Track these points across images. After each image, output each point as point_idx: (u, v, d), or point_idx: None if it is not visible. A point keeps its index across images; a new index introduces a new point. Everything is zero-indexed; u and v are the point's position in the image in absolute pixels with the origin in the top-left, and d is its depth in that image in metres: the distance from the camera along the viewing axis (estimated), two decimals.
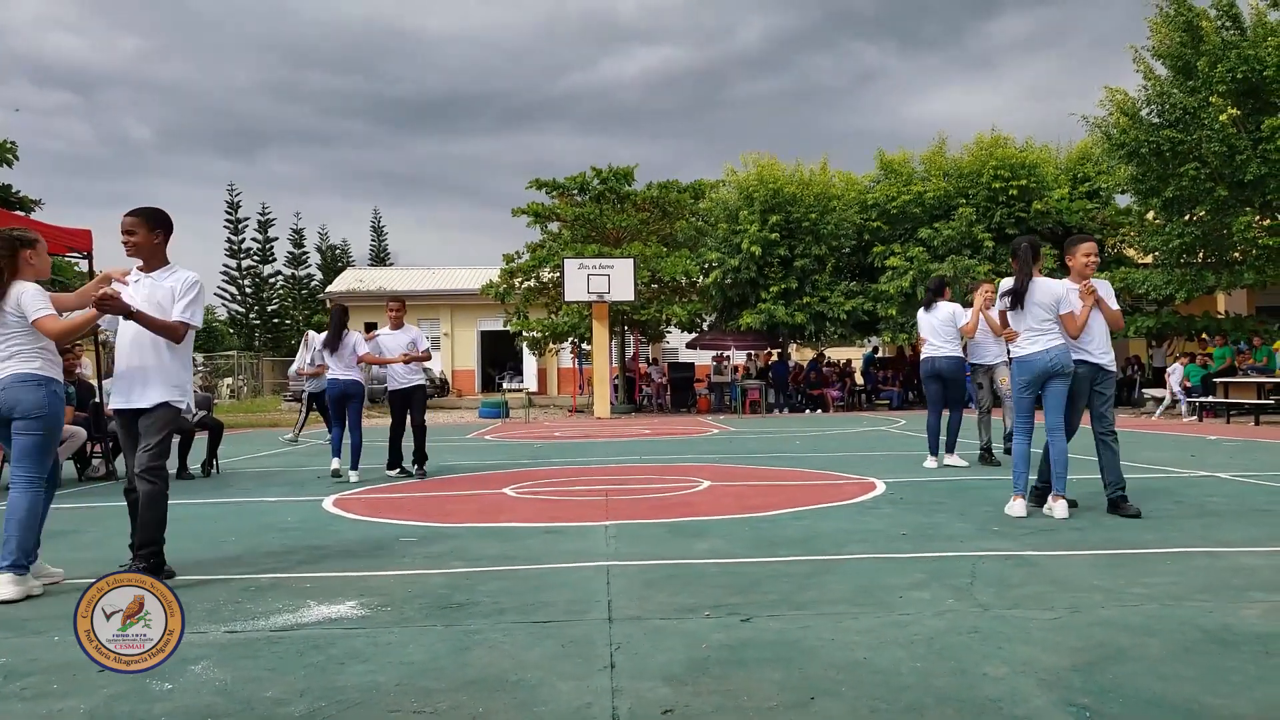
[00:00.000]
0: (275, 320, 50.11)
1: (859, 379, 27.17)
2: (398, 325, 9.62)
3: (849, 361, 27.90)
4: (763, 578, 4.29)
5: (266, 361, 40.41)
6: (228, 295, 49.86)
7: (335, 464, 9.12)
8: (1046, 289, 6.01)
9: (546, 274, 25.41)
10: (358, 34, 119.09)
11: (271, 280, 51.10)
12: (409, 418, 9.25)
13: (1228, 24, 16.82)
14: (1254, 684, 2.74)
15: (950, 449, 9.24)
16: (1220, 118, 15.90)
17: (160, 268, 4.63)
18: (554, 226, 26.41)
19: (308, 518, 6.65)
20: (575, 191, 25.71)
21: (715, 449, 12.00)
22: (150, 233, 4.54)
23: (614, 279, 22.13)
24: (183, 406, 4.59)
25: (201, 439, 10.41)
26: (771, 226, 23.32)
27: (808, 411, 23.65)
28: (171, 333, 4.49)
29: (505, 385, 34.01)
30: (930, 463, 9.08)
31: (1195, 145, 16.57)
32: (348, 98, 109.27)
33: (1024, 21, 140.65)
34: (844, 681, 2.85)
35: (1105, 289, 6.24)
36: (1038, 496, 6.14)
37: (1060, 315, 5.99)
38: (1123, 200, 23.77)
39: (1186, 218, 18.45)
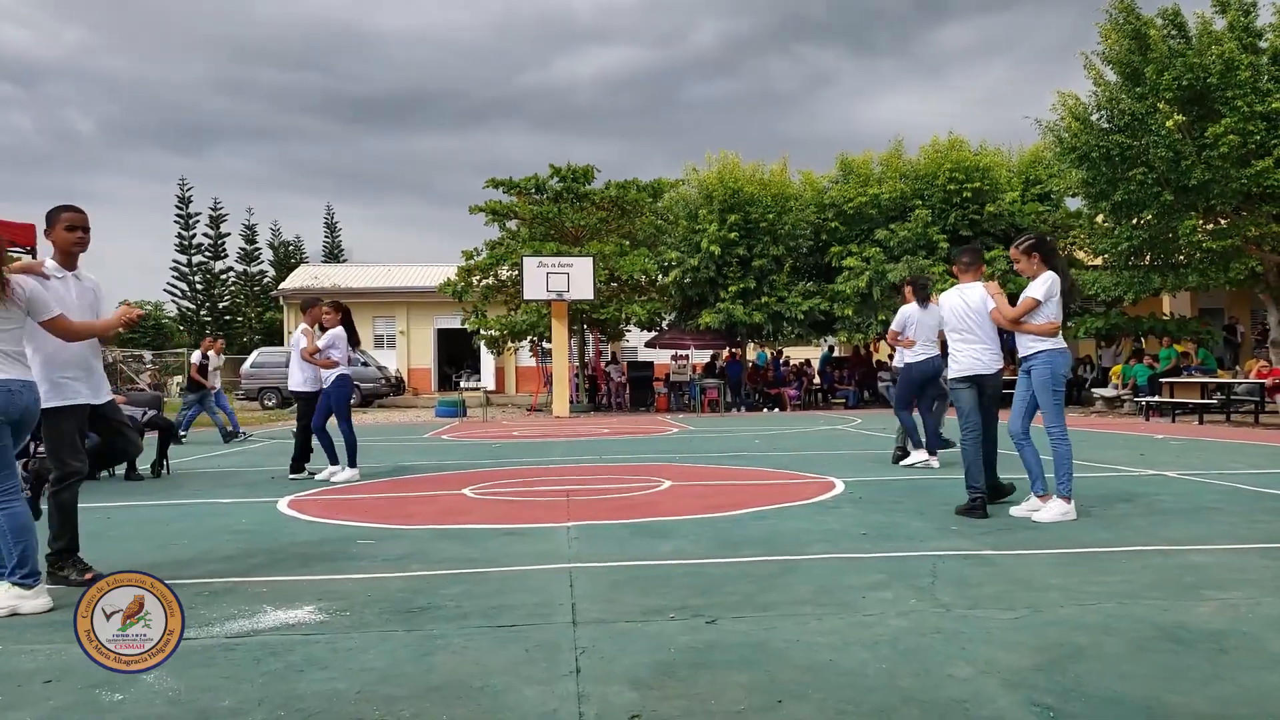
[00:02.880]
0: (227, 317, 49.22)
1: (815, 378, 27.39)
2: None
3: (806, 361, 28.08)
4: (726, 579, 4.29)
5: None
6: (178, 291, 48.91)
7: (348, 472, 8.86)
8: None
9: (505, 272, 25.27)
10: (311, 31, 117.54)
11: (223, 277, 50.21)
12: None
13: (1174, 33, 17.19)
14: (1210, 681, 2.79)
15: (932, 449, 9.25)
16: (1167, 124, 16.24)
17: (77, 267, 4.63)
18: (512, 224, 26.26)
19: (263, 520, 6.53)
20: (534, 190, 25.58)
21: (675, 448, 12.01)
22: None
23: (573, 277, 22.06)
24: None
25: (151, 439, 10.18)
26: (730, 226, 23.39)
27: (765, 410, 23.78)
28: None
29: (463, 384, 33.75)
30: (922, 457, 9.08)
31: (1143, 150, 16.92)
32: (300, 94, 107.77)
33: (971, 30, 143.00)
34: (810, 684, 2.85)
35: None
36: (994, 496, 6.22)
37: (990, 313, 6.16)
38: (1073, 203, 24.24)
39: (1134, 221, 18.82)
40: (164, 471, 9.90)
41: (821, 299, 23.94)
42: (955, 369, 6.27)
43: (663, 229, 25.46)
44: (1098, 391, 21.26)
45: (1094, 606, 3.65)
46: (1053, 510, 5.72)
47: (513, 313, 25.58)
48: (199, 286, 48.85)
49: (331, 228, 56.63)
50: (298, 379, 9.06)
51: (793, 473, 8.71)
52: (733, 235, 23.40)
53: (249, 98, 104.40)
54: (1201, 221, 17.47)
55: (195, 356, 15.59)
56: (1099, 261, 22.19)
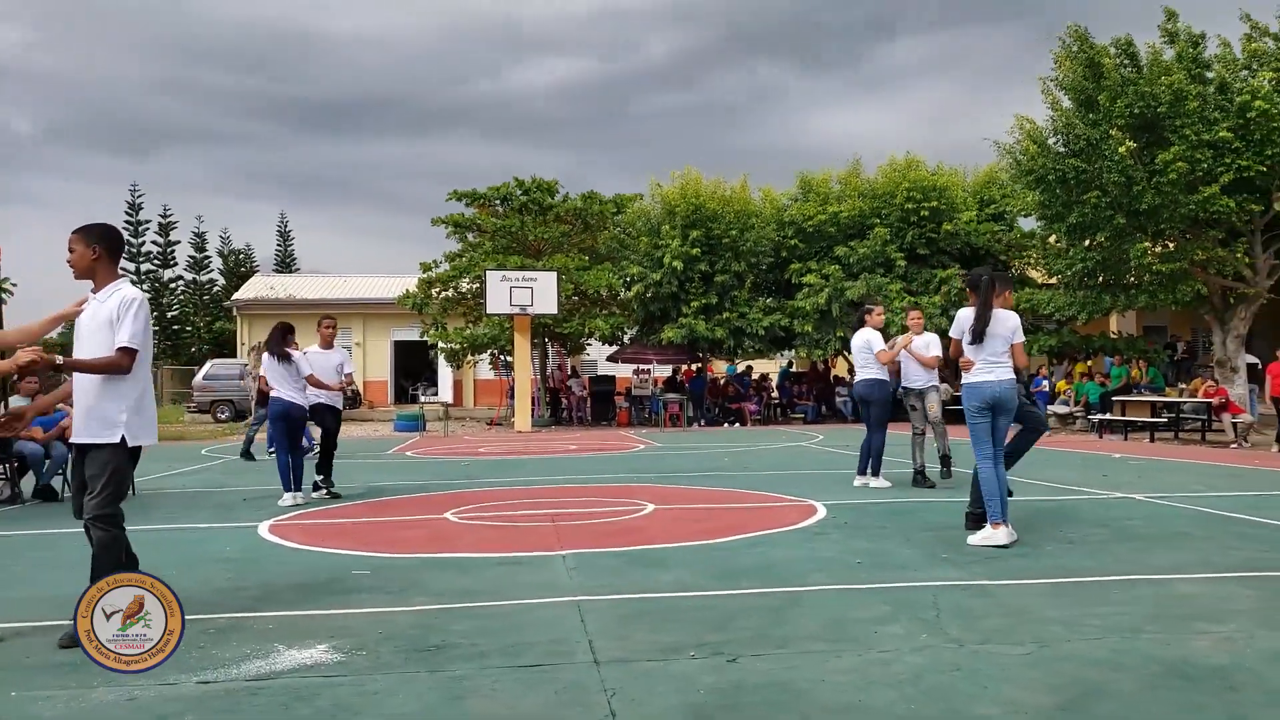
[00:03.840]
0: (175, 327, 48.22)
1: (774, 393, 27.62)
2: (328, 344, 9.43)
3: (765, 376, 28.32)
4: (735, 612, 4.34)
5: (166, 370, 38.88)
6: None
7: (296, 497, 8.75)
8: (1003, 320, 6.26)
9: (466, 284, 25.16)
10: (258, 34, 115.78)
11: (172, 285, 49.20)
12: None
13: (1126, 62, 17.74)
14: (1226, 709, 2.91)
15: (876, 471, 9.41)
16: (1120, 150, 16.73)
17: (104, 287, 4.31)
18: (472, 236, 26.13)
19: (247, 547, 6.45)
20: (497, 202, 25.51)
21: (646, 467, 12.06)
22: (87, 248, 4.24)
23: (537, 292, 22.03)
24: (126, 439, 4.21)
25: None
26: (693, 242, 23.57)
27: (726, 425, 23.93)
28: (113, 367, 4.16)
29: (422, 397, 33.47)
30: (869, 481, 9.27)
31: (1097, 175, 17.40)
32: (248, 98, 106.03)
33: (919, 47, 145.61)
34: None
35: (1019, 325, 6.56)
36: (974, 522, 6.36)
37: (1013, 344, 6.25)
38: (1026, 224, 24.85)
39: (1087, 243, 19.36)
40: (131, 492, 9.68)
41: (782, 315, 24.20)
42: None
43: (625, 243, 25.56)
44: (1050, 408, 21.76)
45: (1098, 641, 3.77)
46: (977, 535, 6.00)
47: (473, 326, 25.46)
48: (147, 296, 47.85)
49: (284, 235, 55.82)
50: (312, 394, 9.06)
51: (771, 494, 8.81)
52: (695, 251, 23.58)
53: (194, 100, 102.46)
54: (1151, 245, 18.01)
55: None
56: (1053, 281, 22.79)
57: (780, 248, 24.92)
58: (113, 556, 4.16)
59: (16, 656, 3.85)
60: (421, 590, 4.93)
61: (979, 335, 6.26)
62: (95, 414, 4.21)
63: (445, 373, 33.22)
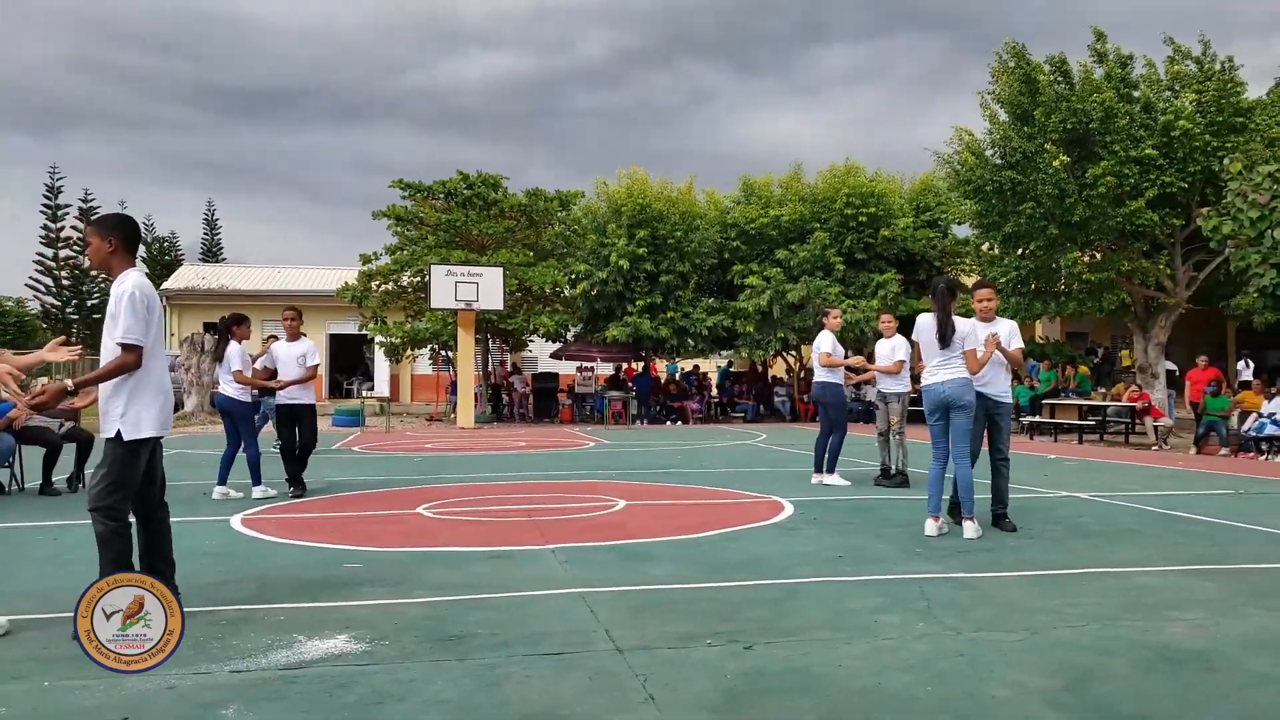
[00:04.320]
0: (96, 316, 46.61)
1: (714, 391, 27.99)
2: (294, 336, 9.36)
3: (706, 375, 28.66)
4: (737, 604, 4.52)
5: (89, 360, 37.59)
6: (42, 287, 46.06)
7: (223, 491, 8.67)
8: (957, 327, 6.57)
9: (407, 278, 24.95)
10: (178, 15, 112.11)
11: (94, 273, 47.52)
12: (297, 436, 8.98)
13: (1059, 79, 18.47)
14: (1216, 700, 3.19)
15: (831, 468, 9.69)
16: (1054, 163, 17.43)
17: (117, 279, 4.27)
18: (409, 230, 25.87)
19: (227, 541, 6.42)
20: (442, 195, 25.32)
21: (602, 464, 12.19)
22: (102, 240, 4.20)
23: (483, 287, 21.95)
24: (122, 433, 4.19)
25: (62, 449, 9.74)
26: (639, 241, 23.76)
27: (668, 423, 24.18)
28: (122, 368, 4.13)
29: (360, 392, 33.02)
30: (824, 479, 9.54)
31: (1032, 187, 18.08)
32: (168, 81, 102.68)
33: (848, 55, 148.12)
34: (871, 707, 3.11)
35: (1009, 330, 6.86)
36: (951, 511, 6.68)
37: (964, 350, 6.55)
38: (960, 231, 25.67)
39: (1020, 251, 20.09)
40: (80, 485, 9.47)
41: (724, 315, 24.55)
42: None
43: (571, 240, 25.63)
44: None
45: (1082, 628, 4.05)
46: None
47: (413, 320, 25.26)
48: (66, 283, 46.14)
49: (211, 224, 54.38)
50: (296, 391, 8.97)
51: (733, 491, 9.03)
52: (641, 250, 23.77)
53: (110, 81, 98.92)
54: (1080, 255, 18.79)
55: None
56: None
57: (723, 249, 25.27)
58: (112, 550, 4.12)
59: (32, 649, 3.82)
60: (420, 583, 5.01)
61: (944, 340, 6.58)
62: (103, 409, 4.21)
63: (382, 367, 32.83)
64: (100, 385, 4.23)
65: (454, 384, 25.15)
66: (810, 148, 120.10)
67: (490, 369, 26.89)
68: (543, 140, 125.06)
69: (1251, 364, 24.87)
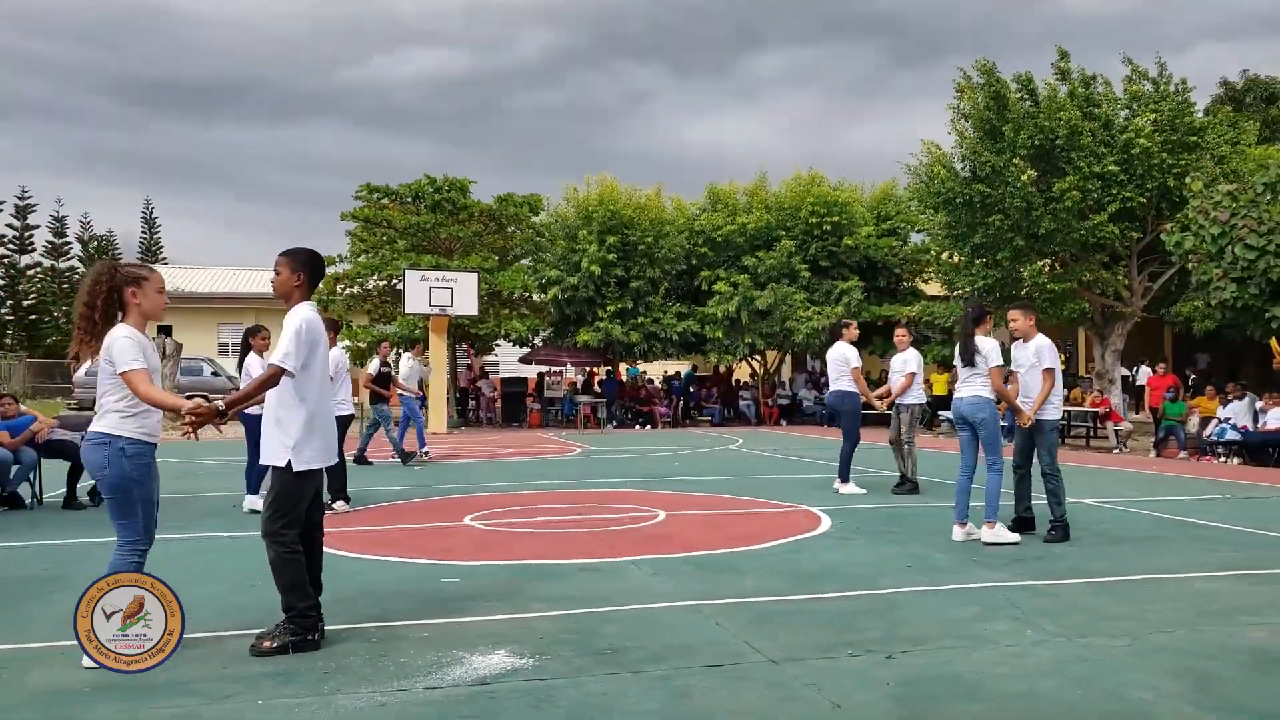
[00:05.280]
0: (33, 317, 45.13)
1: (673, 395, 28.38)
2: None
3: (651, 380, 29.03)
4: (845, 614, 4.84)
5: (24, 362, 36.45)
6: None
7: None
8: (979, 347, 7.09)
9: (372, 282, 24.84)
10: (109, 7, 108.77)
11: (30, 272, 46.00)
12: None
13: (1026, 97, 19.25)
14: None
15: (844, 477, 10.07)
16: (1022, 178, 18.18)
17: (291, 309, 4.39)
18: (365, 233, 25.69)
19: None
20: (411, 199, 25.24)
21: (604, 471, 12.42)
22: (292, 274, 4.38)
23: (457, 292, 22.00)
24: (291, 463, 4.30)
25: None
26: (609, 248, 24.02)
27: (637, 427, 24.49)
28: (264, 385, 4.25)
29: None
30: (841, 487, 9.90)
31: (1000, 200, 18.82)
32: (90, 73, 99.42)
33: (784, 59, 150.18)
34: (1032, 711, 3.45)
35: (1035, 349, 7.31)
36: (1019, 526, 7.14)
37: (989, 369, 7.04)
38: (916, 238, 26.44)
39: (984, 260, 20.85)
40: (99, 500, 9.39)
41: (693, 321, 24.95)
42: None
43: (540, 245, 25.77)
44: (944, 414, 23.27)
45: (1173, 634, 4.45)
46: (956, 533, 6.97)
47: (378, 324, 25.18)
48: (0, 282, 44.60)
49: (150, 222, 53.00)
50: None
51: (761, 500, 9.35)
52: (611, 256, 24.04)
53: (31, 74, 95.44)
54: (1044, 265, 19.60)
55: (372, 365, 13.92)
56: (944, 292, 24.45)
57: (690, 255, 25.67)
58: (285, 576, 4.25)
59: (214, 668, 3.96)
60: (529, 597, 5.21)
61: (966, 359, 7.15)
62: (267, 437, 4.36)
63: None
64: (264, 414, 4.38)
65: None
66: (748, 151, 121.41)
67: (457, 373, 26.87)
68: (479, 139, 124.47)
69: (1206, 358, 26.28)
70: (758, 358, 27.43)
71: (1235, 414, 15.54)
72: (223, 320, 31.84)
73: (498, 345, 27.93)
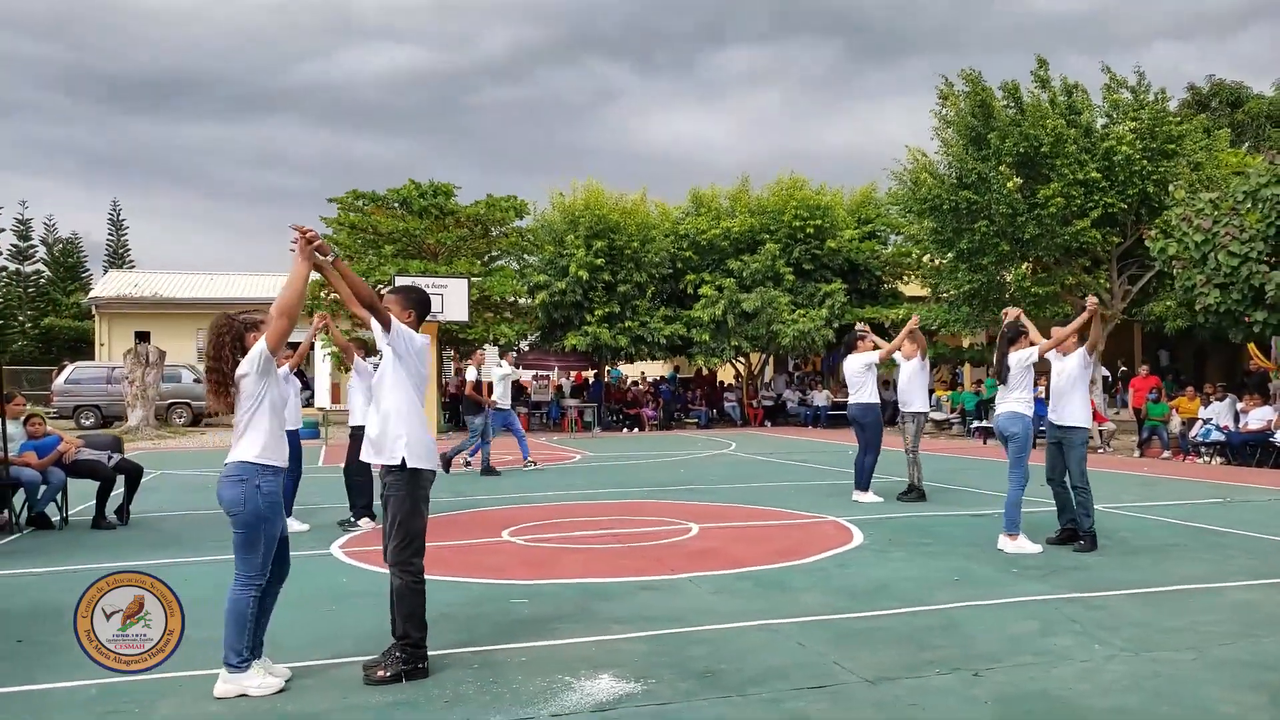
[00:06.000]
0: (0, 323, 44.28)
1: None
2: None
3: (660, 380, 29.26)
4: (915, 631, 5.05)
5: None
6: None
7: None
8: (1010, 364, 7.41)
9: None
10: None
11: None
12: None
13: (1011, 105, 19.67)
14: None
15: (865, 486, 10.33)
16: (1007, 185, 18.59)
17: None
18: (333, 241, 25.60)
19: (364, 580, 6.59)
20: (397, 205, 25.21)
21: (616, 480, 12.58)
22: (403, 310, 4.56)
23: (448, 298, 22.02)
24: (418, 466, 4.47)
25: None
26: (596, 252, 24.17)
27: (624, 430, 24.68)
28: (373, 303, 4.42)
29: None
30: (860, 496, 10.15)
31: (986, 206, 19.22)
32: (43, 68, 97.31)
33: (748, 57, 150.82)
34: None
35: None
36: (1067, 538, 7.44)
37: (1039, 361, 7.42)
38: (894, 239, 26.90)
39: (968, 265, 21.27)
40: (127, 519, 9.40)
41: (680, 324, 25.18)
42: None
43: (525, 248, 25.86)
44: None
45: (1232, 645, 4.71)
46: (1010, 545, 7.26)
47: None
48: None
49: (117, 225, 52.11)
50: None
51: (785, 511, 9.56)
52: (599, 261, 24.20)
53: None
54: (1029, 269, 20.06)
55: (470, 373, 13.96)
56: (925, 294, 24.95)
57: (675, 259, 25.89)
58: (407, 608, 4.42)
59: (334, 698, 4.09)
60: (602, 618, 5.37)
61: (1001, 378, 7.51)
62: (376, 441, 4.57)
63: (323, 374, 32.32)
64: (370, 422, 4.55)
65: None
66: (713, 148, 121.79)
67: (444, 379, 26.88)
68: (446, 136, 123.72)
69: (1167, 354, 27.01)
70: (742, 360, 27.73)
71: (1217, 414, 16.07)
72: (202, 326, 31.40)
73: (482, 350, 27.93)
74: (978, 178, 19.14)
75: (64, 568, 7.10)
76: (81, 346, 37.99)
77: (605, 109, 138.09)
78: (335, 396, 33.12)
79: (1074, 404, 7.49)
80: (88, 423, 25.81)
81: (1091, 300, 7.49)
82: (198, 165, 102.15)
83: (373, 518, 9.00)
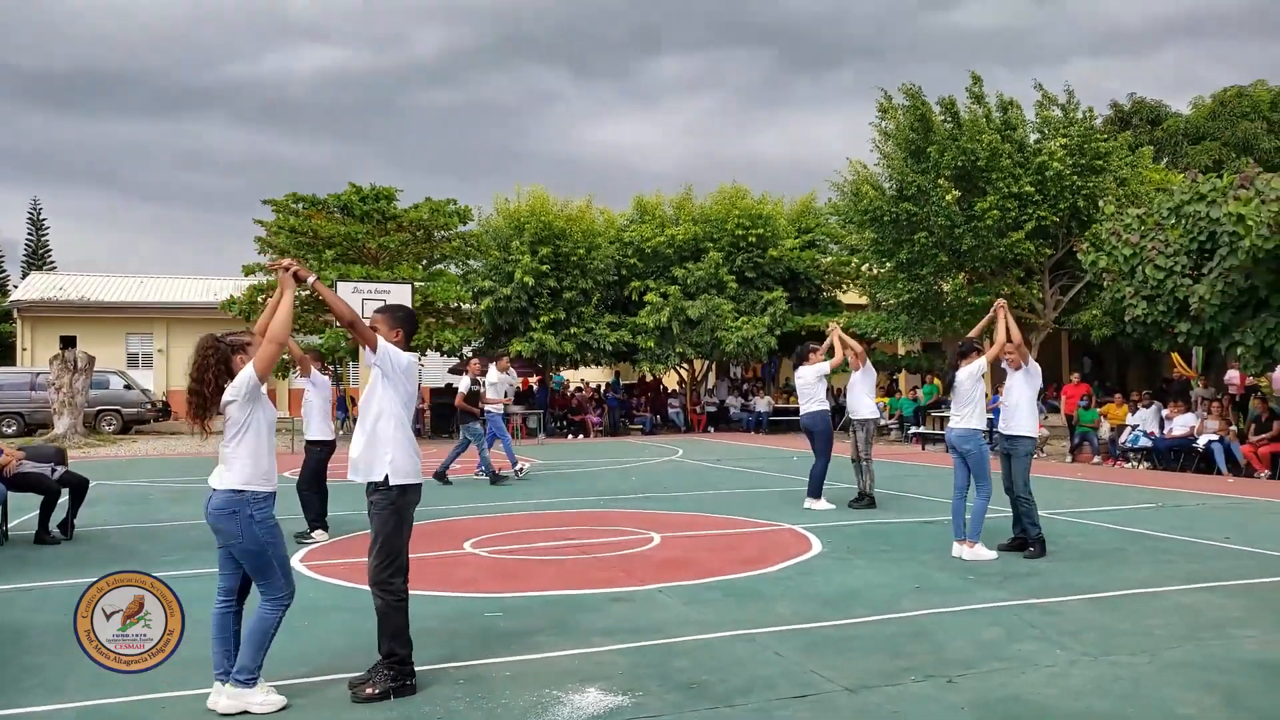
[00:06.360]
0: None
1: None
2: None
3: (600, 386, 29.31)
4: (886, 639, 5.23)
5: None
6: None
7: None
8: (956, 379, 7.73)
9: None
10: None
11: None
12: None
13: (949, 120, 20.23)
14: None
15: (817, 494, 10.55)
16: (946, 198, 19.11)
17: None
18: (263, 252, 25.19)
19: (330, 594, 6.55)
20: (338, 210, 24.87)
21: (567, 489, 12.64)
22: (390, 330, 4.57)
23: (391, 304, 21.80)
24: (402, 483, 4.50)
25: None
26: (542, 259, 24.17)
27: (569, 437, 24.70)
28: (358, 326, 4.44)
29: None
30: (812, 504, 10.36)
31: (925, 218, 19.74)
32: None
33: (682, 64, 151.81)
34: None
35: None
36: (1018, 545, 7.72)
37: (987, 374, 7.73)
38: (832, 249, 27.44)
39: (906, 274, 21.81)
40: (71, 534, 9.14)
41: (625, 331, 25.30)
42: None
43: (470, 254, 25.74)
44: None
45: (1187, 648, 4.97)
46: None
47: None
48: None
49: (37, 225, 50.37)
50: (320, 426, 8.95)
51: (740, 519, 9.71)
52: (544, 267, 24.20)
53: None
54: (965, 280, 20.64)
55: (463, 383, 13.77)
56: (865, 301, 25.50)
57: (621, 266, 26.02)
58: (391, 626, 4.44)
59: (325, 716, 4.09)
60: (581, 630, 5.44)
61: (946, 389, 7.81)
62: (362, 460, 4.59)
63: (283, 385, 31.71)
64: (355, 442, 4.54)
65: (341, 399, 24.76)
66: (652, 155, 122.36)
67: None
68: (377, 138, 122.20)
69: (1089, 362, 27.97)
70: (685, 366, 27.96)
71: (1143, 421, 16.74)
72: (131, 330, 30.64)
73: (424, 356, 27.73)
74: (918, 190, 19.65)
75: (12, 586, 6.90)
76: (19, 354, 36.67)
77: (541, 113, 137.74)
78: (295, 407, 32.57)
79: (1020, 415, 7.79)
80: (10, 430, 24.91)
81: (1000, 301, 7.85)
82: (120, 164, 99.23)
83: (326, 529, 8.94)
